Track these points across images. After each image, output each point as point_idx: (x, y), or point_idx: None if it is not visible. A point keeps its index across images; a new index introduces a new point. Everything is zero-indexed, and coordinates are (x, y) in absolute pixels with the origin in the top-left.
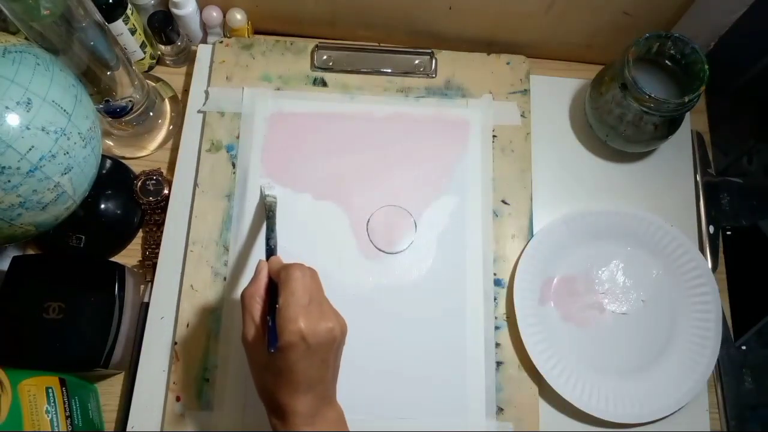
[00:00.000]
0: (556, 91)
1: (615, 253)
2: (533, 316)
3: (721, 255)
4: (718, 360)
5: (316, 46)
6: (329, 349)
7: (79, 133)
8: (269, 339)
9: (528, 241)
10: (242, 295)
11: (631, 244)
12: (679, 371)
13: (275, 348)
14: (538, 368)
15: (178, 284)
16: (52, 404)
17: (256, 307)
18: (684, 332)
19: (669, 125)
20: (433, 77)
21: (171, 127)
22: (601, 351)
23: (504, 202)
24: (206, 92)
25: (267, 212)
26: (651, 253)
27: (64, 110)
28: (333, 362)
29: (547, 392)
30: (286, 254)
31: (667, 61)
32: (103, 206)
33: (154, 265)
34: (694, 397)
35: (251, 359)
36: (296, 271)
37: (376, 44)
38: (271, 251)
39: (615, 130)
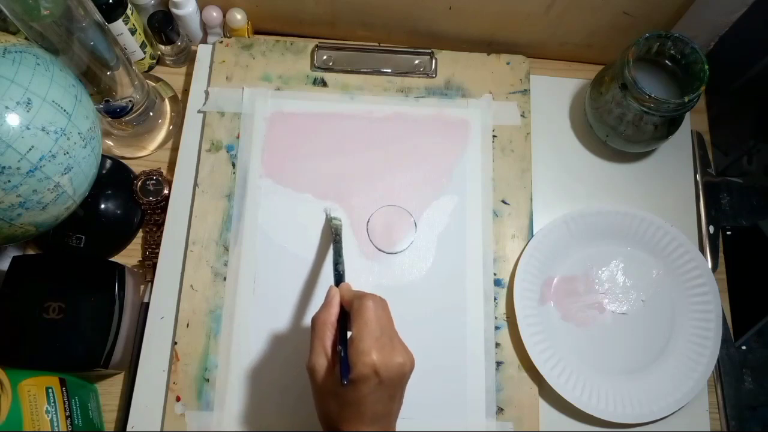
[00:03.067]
0: (556, 91)
1: (615, 253)
2: (533, 316)
3: (721, 255)
4: (718, 360)
5: (316, 46)
6: (399, 383)
7: (79, 133)
8: (342, 371)
9: (528, 241)
10: (314, 321)
11: (631, 244)
12: (679, 371)
13: (348, 380)
14: (538, 368)
15: (178, 284)
16: (52, 404)
17: (328, 335)
18: (684, 332)
19: (669, 125)
20: (433, 77)
21: (171, 127)
22: (601, 351)
23: (504, 202)
24: (206, 92)
25: (333, 236)
26: (651, 253)
27: (64, 110)
28: (399, 397)
29: (547, 392)
30: (286, 254)
31: (667, 61)
32: (103, 206)
33: (154, 265)
34: (694, 397)
35: (317, 387)
36: (369, 300)
37: (376, 44)
38: (339, 277)
39: (615, 130)
